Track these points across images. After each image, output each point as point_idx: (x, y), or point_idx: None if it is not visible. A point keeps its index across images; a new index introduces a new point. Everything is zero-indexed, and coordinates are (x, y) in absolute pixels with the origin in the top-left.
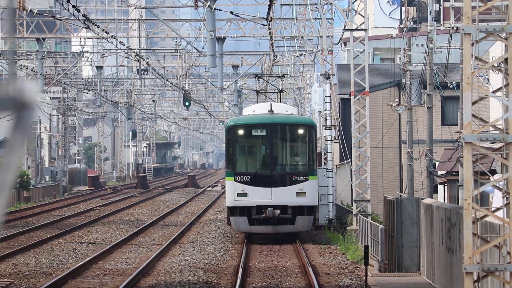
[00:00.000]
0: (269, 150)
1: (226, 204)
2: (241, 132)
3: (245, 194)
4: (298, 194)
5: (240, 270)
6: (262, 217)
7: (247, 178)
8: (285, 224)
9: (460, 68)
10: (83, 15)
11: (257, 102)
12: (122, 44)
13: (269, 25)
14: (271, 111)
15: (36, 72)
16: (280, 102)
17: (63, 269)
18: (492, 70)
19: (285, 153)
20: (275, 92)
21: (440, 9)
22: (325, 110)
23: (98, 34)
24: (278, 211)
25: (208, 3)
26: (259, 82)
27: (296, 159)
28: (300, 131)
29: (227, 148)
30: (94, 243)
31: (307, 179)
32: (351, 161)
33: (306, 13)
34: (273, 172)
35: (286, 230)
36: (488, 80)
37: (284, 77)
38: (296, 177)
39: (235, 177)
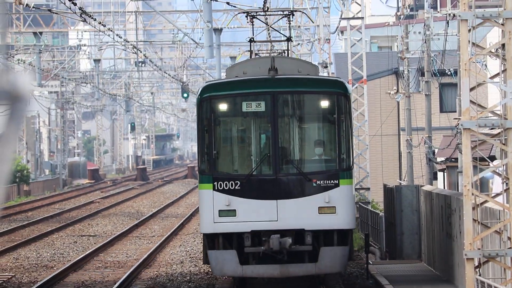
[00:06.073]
0: (271, 136)
1: (201, 229)
2: (223, 106)
3: (232, 212)
4: (322, 210)
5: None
6: (263, 250)
7: (235, 184)
8: (301, 261)
9: (458, 55)
10: (80, 9)
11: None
12: (120, 37)
13: (265, 15)
14: (273, 70)
15: (34, 66)
16: (289, 56)
17: (64, 262)
18: (490, 56)
19: (299, 141)
20: (279, 52)
21: None
22: None
23: (95, 27)
24: (290, 240)
25: None
26: (252, 25)
27: (318, 150)
28: (324, 103)
29: (200, 134)
30: (94, 236)
31: (337, 184)
32: None
33: (303, 3)
34: (279, 174)
35: (303, 272)
36: (486, 66)
37: (293, 15)
38: (318, 181)
39: (215, 183)
